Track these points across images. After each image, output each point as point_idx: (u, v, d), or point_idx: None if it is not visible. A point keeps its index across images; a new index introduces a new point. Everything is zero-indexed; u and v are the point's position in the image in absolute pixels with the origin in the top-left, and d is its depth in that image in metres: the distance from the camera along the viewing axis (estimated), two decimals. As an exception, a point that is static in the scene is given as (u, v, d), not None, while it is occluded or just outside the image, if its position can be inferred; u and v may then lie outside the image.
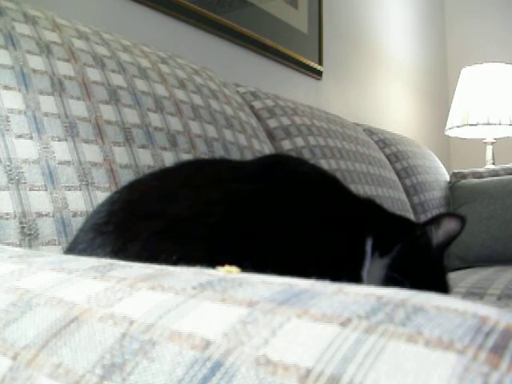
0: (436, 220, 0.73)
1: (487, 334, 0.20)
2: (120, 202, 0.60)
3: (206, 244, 0.54)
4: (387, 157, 1.93)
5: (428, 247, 0.72)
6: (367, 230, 0.68)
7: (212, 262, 0.39)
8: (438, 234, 0.72)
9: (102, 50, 0.95)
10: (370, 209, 0.74)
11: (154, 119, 0.94)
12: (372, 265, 0.67)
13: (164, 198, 0.58)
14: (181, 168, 0.71)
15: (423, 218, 1.88)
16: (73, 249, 0.58)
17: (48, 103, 0.79)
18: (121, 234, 0.55)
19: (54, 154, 0.76)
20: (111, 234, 0.55)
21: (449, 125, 2.57)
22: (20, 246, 0.69)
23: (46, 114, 0.78)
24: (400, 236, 0.71)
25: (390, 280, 0.66)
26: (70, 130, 0.80)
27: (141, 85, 0.96)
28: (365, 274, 0.65)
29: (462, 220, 0.72)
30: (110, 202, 0.61)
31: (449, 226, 0.72)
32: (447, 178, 2.17)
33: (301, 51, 2.02)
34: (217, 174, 0.63)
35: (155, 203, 0.58)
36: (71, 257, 0.43)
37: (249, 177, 0.64)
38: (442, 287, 0.72)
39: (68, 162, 0.77)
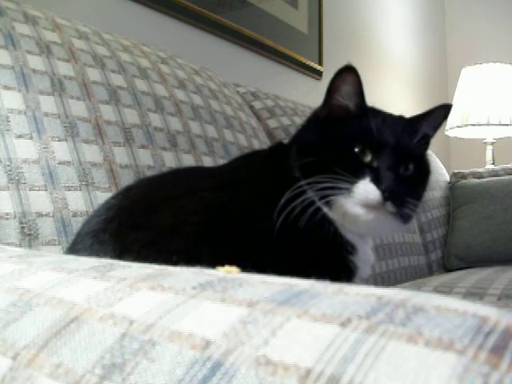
0: None
1: (487, 334, 0.20)
2: (115, 208, 0.62)
3: (183, 255, 0.56)
4: (387, 157, 1.92)
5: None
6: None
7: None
8: None
9: (101, 50, 0.94)
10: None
11: (154, 119, 0.94)
12: None
13: (150, 208, 0.61)
14: (166, 177, 0.73)
15: (423, 219, 1.87)
16: (72, 253, 0.59)
17: (48, 103, 0.79)
18: (116, 244, 0.57)
19: (54, 154, 0.76)
20: (108, 243, 0.57)
21: (449, 125, 2.57)
22: (20, 246, 0.69)
23: (46, 114, 0.78)
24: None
25: None
26: (70, 130, 0.80)
27: (141, 85, 0.96)
28: None
29: None
30: (106, 207, 0.63)
31: None
32: (447, 178, 2.17)
33: (301, 51, 2.02)
34: (193, 184, 0.65)
35: (143, 213, 0.60)
36: (71, 257, 0.43)
37: (220, 183, 0.65)
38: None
39: (68, 162, 0.77)
